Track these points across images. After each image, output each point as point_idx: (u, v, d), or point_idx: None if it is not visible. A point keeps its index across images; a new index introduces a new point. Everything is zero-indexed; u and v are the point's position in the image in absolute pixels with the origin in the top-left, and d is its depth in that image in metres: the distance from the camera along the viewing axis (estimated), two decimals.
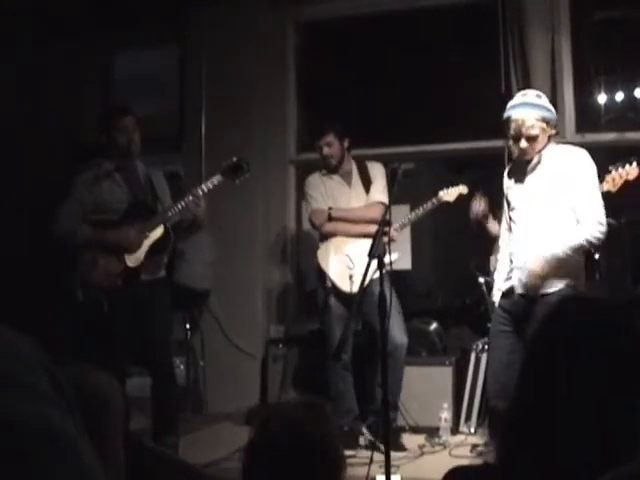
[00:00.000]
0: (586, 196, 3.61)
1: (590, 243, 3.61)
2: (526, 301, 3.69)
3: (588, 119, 5.53)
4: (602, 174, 4.00)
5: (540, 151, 3.71)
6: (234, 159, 4.26)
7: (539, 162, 3.73)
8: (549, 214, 3.68)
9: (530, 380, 1.34)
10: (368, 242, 4.62)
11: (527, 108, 3.64)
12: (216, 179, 4.23)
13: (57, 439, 0.72)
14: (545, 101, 3.72)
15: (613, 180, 3.97)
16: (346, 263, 4.70)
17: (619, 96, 5.87)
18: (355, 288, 4.51)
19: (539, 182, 3.72)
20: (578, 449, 1.22)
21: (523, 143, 3.62)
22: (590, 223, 3.58)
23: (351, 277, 4.59)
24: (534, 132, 3.60)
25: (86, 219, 4.24)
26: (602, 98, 5.84)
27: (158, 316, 4.32)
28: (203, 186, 4.21)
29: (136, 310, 4.19)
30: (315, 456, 1.62)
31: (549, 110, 3.68)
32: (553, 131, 3.71)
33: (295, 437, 1.63)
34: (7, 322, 0.78)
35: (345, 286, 4.63)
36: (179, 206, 4.20)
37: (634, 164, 3.96)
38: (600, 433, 1.22)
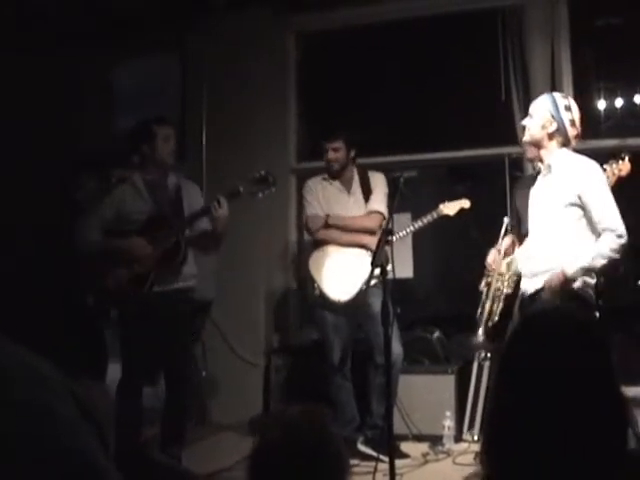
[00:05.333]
0: (602, 208, 3.59)
1: (611, 256, 3.58)
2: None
3: (588, 125, 5.53)
4: None
5: (542, 158, 3.73)
6: (262, 172, 4.20)
7: (549, 172, 3.73)
8: (557, 225, 3.68)
9: (500, 390, 1.35)
10: (360, 251, 4.65)
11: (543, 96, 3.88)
12: (237, 189, 4.19)
13: (89, 468, 0.72)
14: (562, 102, 3.75)
15: (607, 178, 3.98)
16: (338, 271, 4.69)
17: (619, 102, 5.88)
18: (345, 297, 4.51)
19: (549, 193, 3.72)
20: (552, 463, 1.22)
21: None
22: (609, 235, 3.57)
23: (342, 286, 4.58)
24: (531, 109, 3.79)
25: (105, 229, 4.25)
26: (602, 104, 5.85)
27: (174, 327, 4.29)
28: (223, 196, 4.19)
29: (154, 320, 4.17)
30: (316, 460, 1.63)
31: (557, 110, 3.70)
32: (559, 137, 3.71)
33: (295, 444, 1.64)
34: (19, 330, 0.78)
35: (334, 294, 4.62)
36: (194, 215, 4.19)
37: (626, 160, 3.96)
38: (568, 447, 1.22)
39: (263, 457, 1.66)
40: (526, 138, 3.81)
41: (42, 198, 5.22)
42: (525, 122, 3.79)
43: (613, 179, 3.98)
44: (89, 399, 1.18)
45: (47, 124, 5.72)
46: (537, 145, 3.77)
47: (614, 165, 3.98)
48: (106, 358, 4.92)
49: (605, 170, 4.00)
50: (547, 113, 3.71)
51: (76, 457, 0.72)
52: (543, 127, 3.70)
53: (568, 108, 3.74)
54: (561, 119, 3.70)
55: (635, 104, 5.91)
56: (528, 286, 3.79)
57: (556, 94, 3.89)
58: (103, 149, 5.55)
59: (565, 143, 3.73)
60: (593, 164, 3.71)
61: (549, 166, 3.73)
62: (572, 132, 3.73)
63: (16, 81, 5.57)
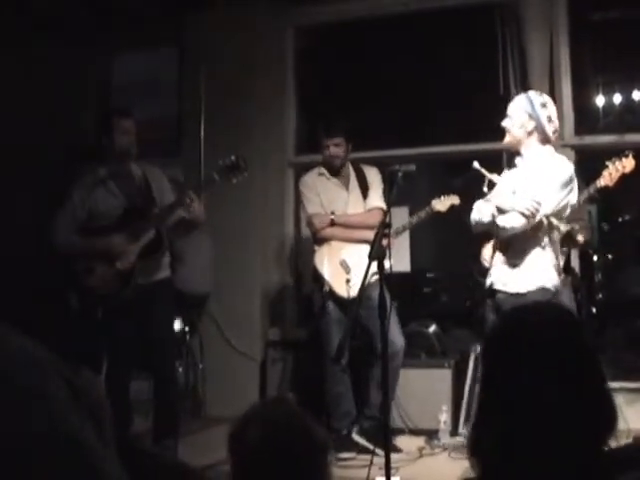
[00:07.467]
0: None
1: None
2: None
3: (586, 121, 5.53)
4: (599, 171, 4.04)
5: (521, 153, 3.80)
6: (232, 158, 4.18)
7: (525, 165, 3.79)
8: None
9: (484, 389, 1.35)
10: (364, 247, 4.63)
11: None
12: (212, 178, 4.17)
13: (82, 451, 0.72)
14: (538, 100, 3.79)
15: (610, 175, 3.99)
16: (343, 268, 4.69)
17: (617, 98, 5.88)
18: (352, 293, 4.51)
19: (519, 184, 3.78)
20: (534, 459, 1.23)
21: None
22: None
23: (348, 281, 4.58)
24: (509, 111, 3.82)
25: (79, 228, 4.22)
26: (600, 100, 5.84)
27: (158, 319, 4.30)
28: (198, 186, 4.19)
29: (136, 314, 4.17)
30: (295, 448, 1.64)
31: (534, 108, 3.74)
32: (538, 134, 3.75)
33: (272, 435, 1.64)
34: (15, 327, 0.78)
35: (342, 291, 4.62)
36: (170, 207, 4.18)
37: (630, 156, 3.97)
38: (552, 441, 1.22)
39: (244, 455, 1.67)
40: (507, 140, 3.85)
41: (38, 195, 5.21)
42: (504, 123, 3.83)
43: (616, 176, 3.98)
44: (83, 385, 1.18)
45: (42, 117, 5.70)
46: (518, 144, 3.82)
47: (617, 162, 3.98)
48: (102, 353, 4.91)
49: (608, 167, 4.00)
50: (524, 112, 3.76)
51: (71, 443, 0.72)
52: (521, 126, 3.76)
53: (544, 105, 3.78)
54: (538, 117, 3.74)
55: (634, 100, 5.91)
56: (494, 277, 3.84)
57: (531, 93, 3.92)
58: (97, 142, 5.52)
59: (544, 140, 3.77)
60: (565, 165, 3.73)
61: (527, 159, 3.78)
62: (550, 128, 3.76)
63: (11, 74, 5.56)
